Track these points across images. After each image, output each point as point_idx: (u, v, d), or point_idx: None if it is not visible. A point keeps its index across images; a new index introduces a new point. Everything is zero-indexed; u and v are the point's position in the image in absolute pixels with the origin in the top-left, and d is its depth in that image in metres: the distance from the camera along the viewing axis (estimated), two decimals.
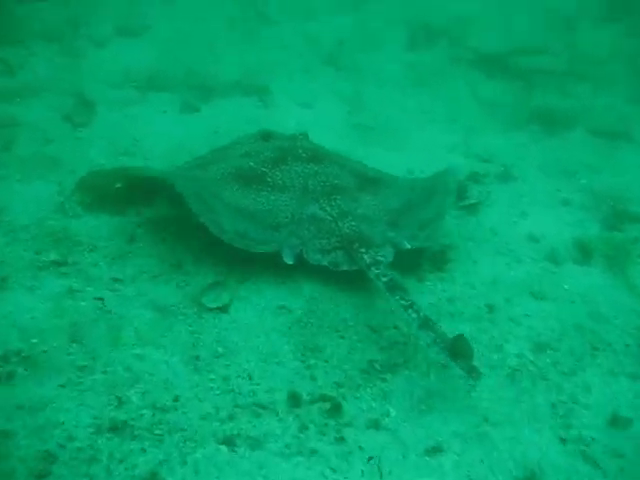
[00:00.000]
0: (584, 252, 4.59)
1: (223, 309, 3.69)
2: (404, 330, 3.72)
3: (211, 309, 3.68)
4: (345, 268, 3.93)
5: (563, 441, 3.12)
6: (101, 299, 3.60)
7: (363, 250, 3.91)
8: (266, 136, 4.87)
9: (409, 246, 4.11)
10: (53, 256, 3.85)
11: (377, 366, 3.47)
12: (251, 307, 3.75)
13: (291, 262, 3.90)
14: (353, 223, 4.09)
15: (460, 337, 3.26)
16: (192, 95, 6.48)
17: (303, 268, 4.00)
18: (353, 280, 4.03)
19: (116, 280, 3.78)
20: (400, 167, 5.52)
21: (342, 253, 3.97)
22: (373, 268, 3.80)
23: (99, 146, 5.23)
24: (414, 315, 3.47)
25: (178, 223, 4.31)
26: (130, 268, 3.90)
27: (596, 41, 8.52)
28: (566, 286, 4.23)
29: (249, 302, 3.79)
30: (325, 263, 3.95)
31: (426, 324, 3.41)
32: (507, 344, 3.70)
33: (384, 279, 3.71)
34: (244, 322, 3.63)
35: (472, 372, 3.22)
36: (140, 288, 3.76)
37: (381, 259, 3.87)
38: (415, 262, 4.26)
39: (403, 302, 3.55)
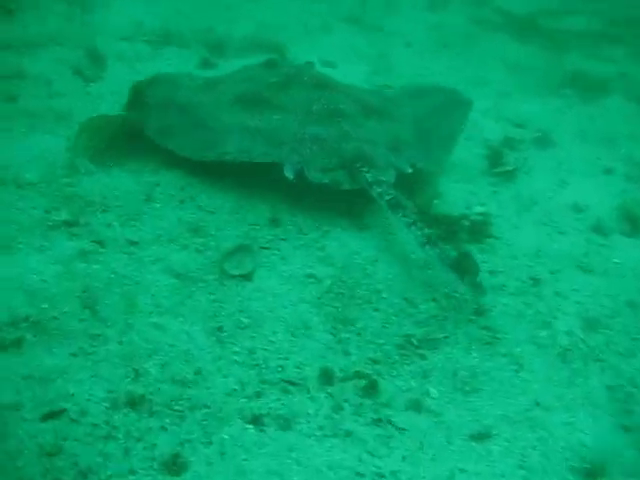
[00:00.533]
0: (633, 223, 4.28)
1: (247, 277, 3.41)
2: (443, 303, 3.44)
3: (233, 276, 3.40)
4: (346, 187, 3.90)
5: (626, 429, 2.85)
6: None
7: (365, 169, 3.87)
8: (272, 64, 4.86)
9: (410, 170, 4.07)
10: (64, 215, 3.55)
11: (414, 341, 3.20)
12: (277, 275, 3.47)
13: (291, 177, 3.89)
14: (356, 144, 4.06)
15: (466, 254, 3.27)
16: (208, 52, 6.13)
17: (333, 235, 3.73)
18: (387, 248, 3.75)
19: (131, 243, 3.49)
20: None
21: (344, 172, 3.93)
22: (375, 186, 3.77)
23: (110, 101, 4.85)
24: (418, 232, 3.46)
25: (197, 183, 4.02)
26: (146, 230, 3.61)
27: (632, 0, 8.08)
28: (616, 260, 3.93)
29: (274, 269, 3.50)
30: (326, 181, 3.91)
31: (430, 241, 3.41)
32: (556, 321, 3.42)
33: (387, 197, 3.68)
34: (270, 291, 3.36)
35: (477, 288, 3.23)
36: (157, 252, 3.47)
37: (383, 179, 3.83)
38: (451, 231, 3.96)
39: (406, 219, 3.54)
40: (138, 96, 4.45)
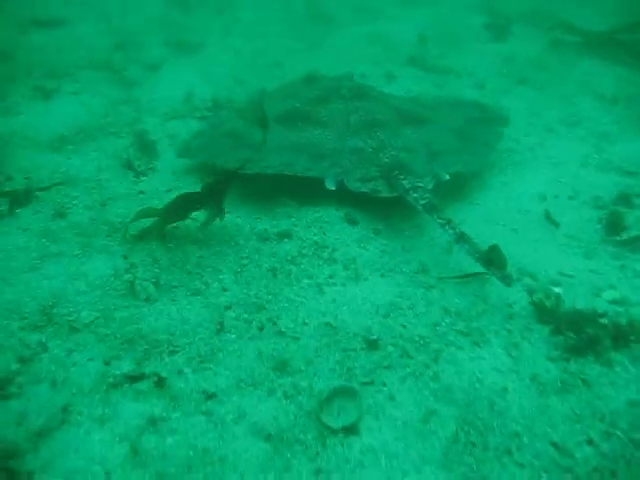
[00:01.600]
0: None
1: (352, 429, 2.76)
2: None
3: (336, 431, 2.76)
4: (385, 195, 4.07)
5: None
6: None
7: (402, 177, 4.07)
8: (310, 79, 5.22)
9: (448, 177, 4.21)
10: (127, 367, 2.98)
11: None
12: (388, 424, 2.80)
13: (333, 188, 4.09)
14: (393, 153, 4.27)
15: (494, 247, 3.44)
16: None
17: (446, 356, 3.07)
18: (513, 369, 3.05)
19: (208, 396, 2.90)
20: (530, 194, 4.50)
21: (382, 181, 4.12)
22: (412, 192, 3.96)
23: (166, 199, 4.36)
24: (451, 231, 3.68)
25: (275, 299, 3.43)
26: (223, 374, 3.01)
27: None
28: None
29: (383, 416, 2.84)
30: (365, 190, 4.10)
31: (462, 238, 3.62)
32: None
33: (422, 202, 3.89)
34: (383, 450, 2.68)
35: (505, 278, 3.41)
36: (239, 404, 2.86)
37: (420, 184, 4.02)
38: (588, 339, 3.21)
39: (440, 220, 3.76)
40: (186, 148, 4.78)
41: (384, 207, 4.21)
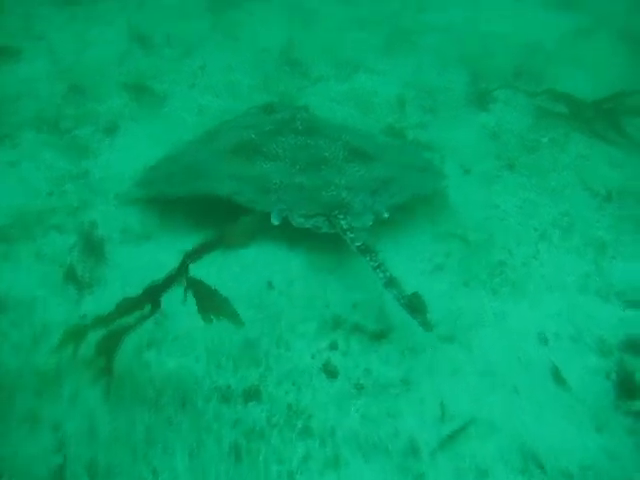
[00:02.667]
0: None
1: None
2: None
3: None
4: (325, 231, 4.31)
5: None
6: None
7: (341, 217, 4.34)
8: (269, 109, 5.45)
9: (387, 215, 4.49)
10: None
11: None
12: None
13: (277, 223, 4.31)
14: (334, 192, 4.51)
15: (416, 294, 3.72)
16: None
17: None
18: None
19: None
20: (529, 332, 4.02)
21: (323, 219, 4.36)
22: (348, 233, 4.23)
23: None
24: (381, 275, 3.91)
25: None
26: None
27: None
28: None
29: None
30: (308, 226, 4.34)
31: (391, 282, 3.85)
32: None
33: (357, 243, 4.14)
34: None
35: (425, 324, 3.65)
36: None
37: (356, 224, 4.28)
38: None
39: (372, 263, 3.99)
40: (145, 178, 4.92)
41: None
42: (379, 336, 3.84)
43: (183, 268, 3.22)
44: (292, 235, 4.50)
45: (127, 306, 3.18)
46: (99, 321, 3.13)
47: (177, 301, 3.25)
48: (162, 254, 4.29)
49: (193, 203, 4.70)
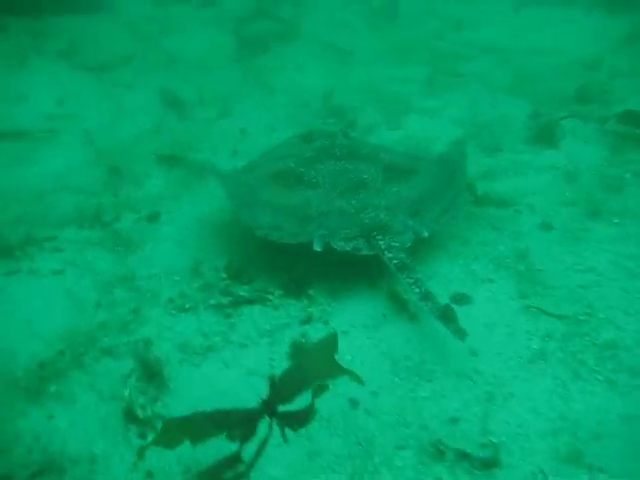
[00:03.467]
0: None
1: None
2: None
3: None
4: (365, 253, 4.38)
5: None
6: None
7: (380, 237, 4.41)
8: (309, 137, 5.44)
9: (427, 234, 4.54)
10: None
11: None
12: None
13: (320, 249, 4.33)
14: (372, 214, 4.57)
15: (448, 306, 3.96)
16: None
17: None
18: None
19: None
20: None
21: (363, 240, 4.44)
22: (386, 252, 4.32)
23: None
24: (417, 290, 4.09)
25: None
26: None
27: None
28: None
29: None
30: (348, 249, 4.40)
31: (426, 297, 4.04)
32: None
33: (395, 261, 4.25)
34: None
35: (457, 331, 3.83)
36: None
37: (395, 244, 4.37)
38: None
39: (409, 280, 4.14)
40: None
41: None
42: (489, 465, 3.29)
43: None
44: None
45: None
46: None
47: None
48: (228, 375, 3.83)
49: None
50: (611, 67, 8.06)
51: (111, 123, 7.18)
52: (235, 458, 2.93)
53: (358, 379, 3.25)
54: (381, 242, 4.39)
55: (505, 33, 9.80)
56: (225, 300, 4.47)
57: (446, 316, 3.88)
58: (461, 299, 4.43)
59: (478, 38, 9.70)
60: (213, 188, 5.72)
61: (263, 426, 3.09)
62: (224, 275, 4.70)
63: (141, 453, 2.98)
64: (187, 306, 4.45)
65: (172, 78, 8.36)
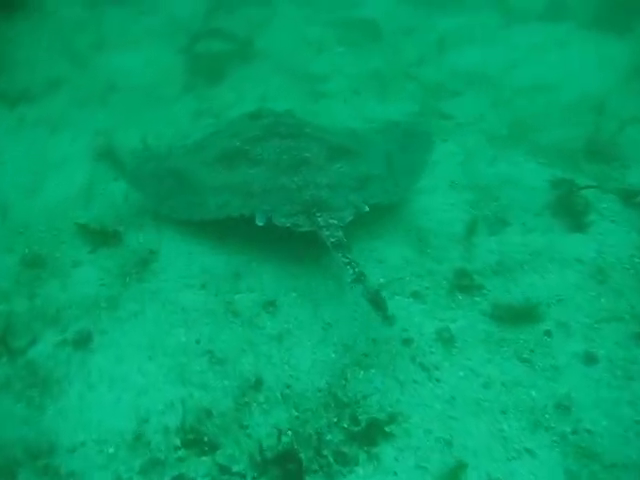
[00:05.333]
0: None
1: None
2: None
3: None
4: (305, 229, 4.50)
5: None
6: None
7: (319, 214, 4.53)
8: (256, 116, 5.70)
9: (367, 209, 4.68)
10: None
11: None
12: None
13: (262, 224, 4.53)
14: (314, 192, 4.70)
15: (378, 292, 4.04)
16: None
17: None
18: None
19: None
20: None
21: (303, 217, 4.55)
22: (325, 230, 4.43)
23: None
24: (351, 271, 4.16)
25: None
26: None
27: None
28: None
29: None
30: (288, 225, 4.52)
31: (358, 279, 4.11)
32: None
33: (332, 239, 4.36)
34: None
35: (386, 318, 3.95)
36: None
37: (333, 222, 4.48)
38: None
39: (344, 259, 4.24)
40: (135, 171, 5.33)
41: None
42: None
43: None
44: None
45: None
46: None
47: None
48: None
49: None
50: (619, 110, 7.04)
51: (29, 182, 5.75)
52: None
53: None
54: (320, 219, 4.48)
55: (493, 57, 8.67)
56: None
57: (376, 302, 3.97)
58: None
59: (463, 63, 8.54)
60: (165, 281, 4.48)
61: None
62: (177, 442, 3.48)
63: None
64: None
65: (109, 114, 6.94)
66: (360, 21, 9.63)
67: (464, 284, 4.68)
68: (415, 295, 4.59)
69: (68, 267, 4.82)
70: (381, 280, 4.72)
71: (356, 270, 4.13)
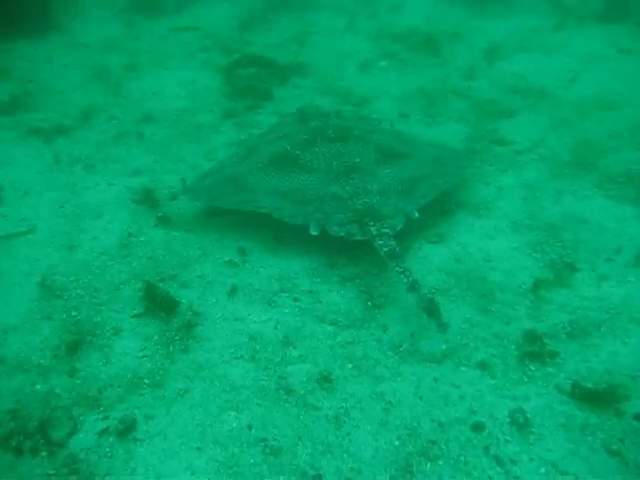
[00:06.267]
0: None
1: None
2: None
3: None
4: (358, 238, 4.63)
5: None
6: None
7: (371, 224, 4.64)
8: (303, 117, 5.77)
9: (417, 215, 4.80)
10: None
11: None
12: None
13: (316, 233, 4.67)
14: (365, 200, 4.81)
15: (432, 300, 4.10)
16: None
17: None
18: None
19: None
20: None
21: (356, 226, 4.67)
22: (378, 239, 4.53)
23: None
24: (405, 280, 4.22)
25: None
26: None
27: None
28: None
29: None
30: (342, 234, 4.66)
31: (413, 287, 4.18)
32: None
33: (385, 249, 4.45)
34: None
35: (441, 325, 4.07)
36: None
37: (386, 231, 4.58)
38: None
39: (398, 269, 4.31)
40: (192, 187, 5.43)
41: None
42: None
43: None
44: None
45: None
46: None
47: None
48: None
49: None
50: None
51: (66, 233, 5.48)
52: None
53: None
54: (372, 228, 4.59)
55: (549, 66, 8.11)
56: None
57: (430, 309, 4.06)
58: None
59: (516, 73, 8.01)
60: (211, 351, 4.18)
61: None
62: None
63: None
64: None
65: (146, 149, 6.64)
66: (402, 28, 9.14)
67: (535, 351, 4.26)
68: (482, 366, 4.19)
69: (109, 334, 4.53)
70: (443, 346, 4.33)
71: (410, 279, 4.21)
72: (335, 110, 5.99)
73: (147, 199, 5.81)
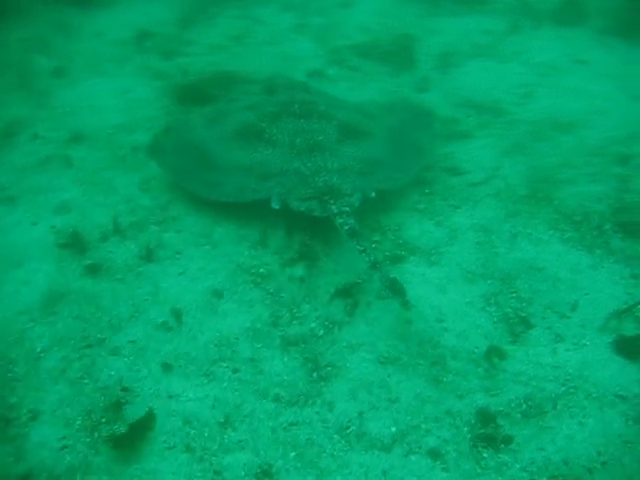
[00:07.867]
0: None
1: None
2: None
3: None
4: (317, 214, 4.77)
5: None
6: None
7: (332, 201, 4.77)
8: (271, 90, 5.96)
9: (374, 194, 4.97)
10: None
11: None
12: None
13: (277, 207, 4.82)
14: (326, 178, 4.94)
15: (395, 279, 4.25)
16: None
17: None
18: None
19: None
20: None
21: (316, 202, 4.80)
22: (338, 217, 4.66)
23: None
24: (366, 258, 4.39)
25: None
26: None
27: None
28: None
29: None
30: (302, 209, 4.79)
31: (374, 266, 4.37)
32: None
33: (345, 227, 4.59)
34: None
35: (404, 304, 4.22)
36: None
37: (346, 209, 4.70)
38: None
39: (359, 247, 4.46)
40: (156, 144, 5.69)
41: None
42: None
43: None
44: None
45: None
46: None
47: None
48: None
49: None
50: None
51: None
52: None
53: None
54: (333, 206, 4.71)
55: (501, 76, 7.76)
56: None
57: (394, 288, 4.19)
58: None
59: (470, 84, 7.67)
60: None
61: None
62: None
63: None
64: None
65: (73, 179, 6.07)
66: (352, 29, 8.64)
67: (489, 434, 4.03)
68: (434, 455, 3.94)
69: (25, 419, 4.11)
70: (393, 429, 4.07)
71: (371, 257, 4.36)
72: (302, 82, 6.24)
73: (75, 242, 5.32)
